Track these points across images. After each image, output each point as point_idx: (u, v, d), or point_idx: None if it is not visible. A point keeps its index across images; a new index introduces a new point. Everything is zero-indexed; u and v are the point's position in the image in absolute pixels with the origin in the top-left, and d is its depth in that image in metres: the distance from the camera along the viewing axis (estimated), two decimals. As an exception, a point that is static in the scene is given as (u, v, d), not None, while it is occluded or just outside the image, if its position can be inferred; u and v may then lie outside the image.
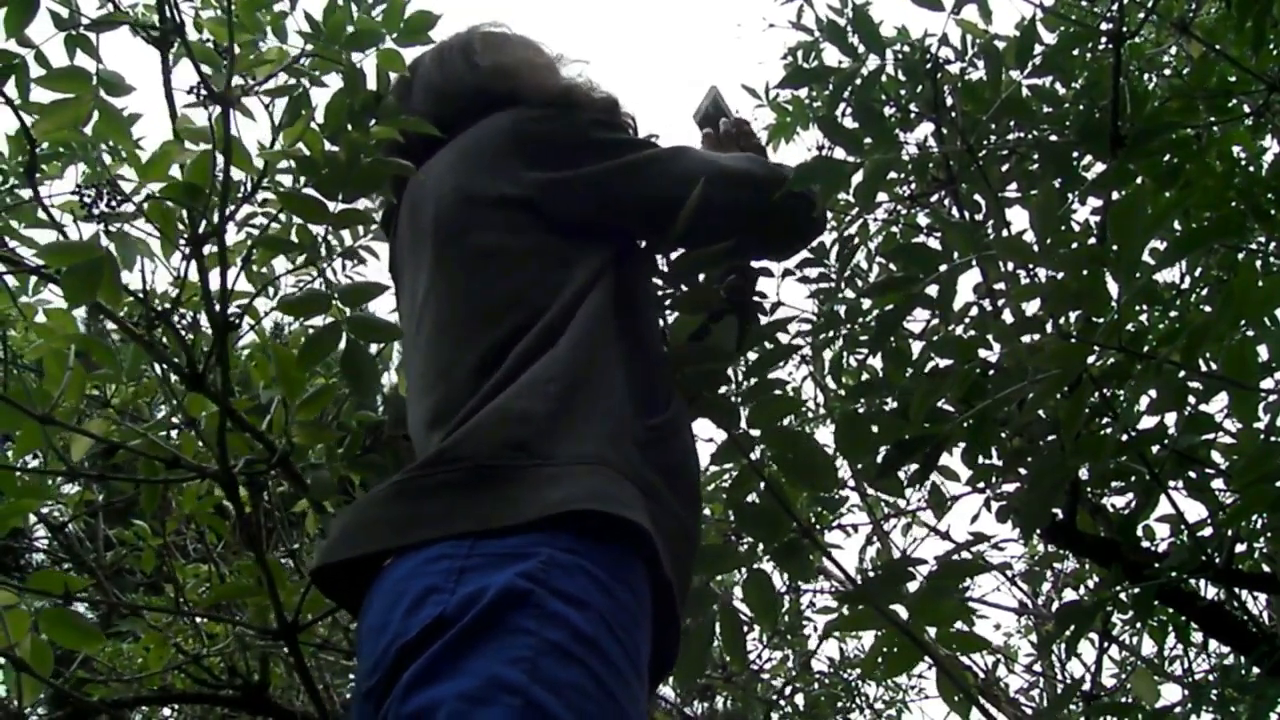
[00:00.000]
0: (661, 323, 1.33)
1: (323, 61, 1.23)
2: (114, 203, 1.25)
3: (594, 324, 1.11)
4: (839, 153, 1.57)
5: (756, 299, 1.48)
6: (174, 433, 1.57)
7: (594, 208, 1.21)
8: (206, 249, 1.21)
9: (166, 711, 3.29)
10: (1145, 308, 1.85)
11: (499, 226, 1.17)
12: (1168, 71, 2.41)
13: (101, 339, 1.52)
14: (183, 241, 1.20)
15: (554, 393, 1.03)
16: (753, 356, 1.42)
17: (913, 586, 1.33)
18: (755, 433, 1.38)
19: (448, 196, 1.20)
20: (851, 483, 2.73)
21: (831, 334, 1.74)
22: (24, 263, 1.38)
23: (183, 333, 1.36)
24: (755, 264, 1.49)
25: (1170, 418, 1.39)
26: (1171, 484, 1.52)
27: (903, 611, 1.33)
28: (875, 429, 1.44)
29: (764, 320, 1.49)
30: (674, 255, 1.33)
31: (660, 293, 1.34)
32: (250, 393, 1.53)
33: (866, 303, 1.72)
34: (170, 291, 1.32)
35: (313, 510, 1.69)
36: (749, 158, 1.36)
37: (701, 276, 1.33)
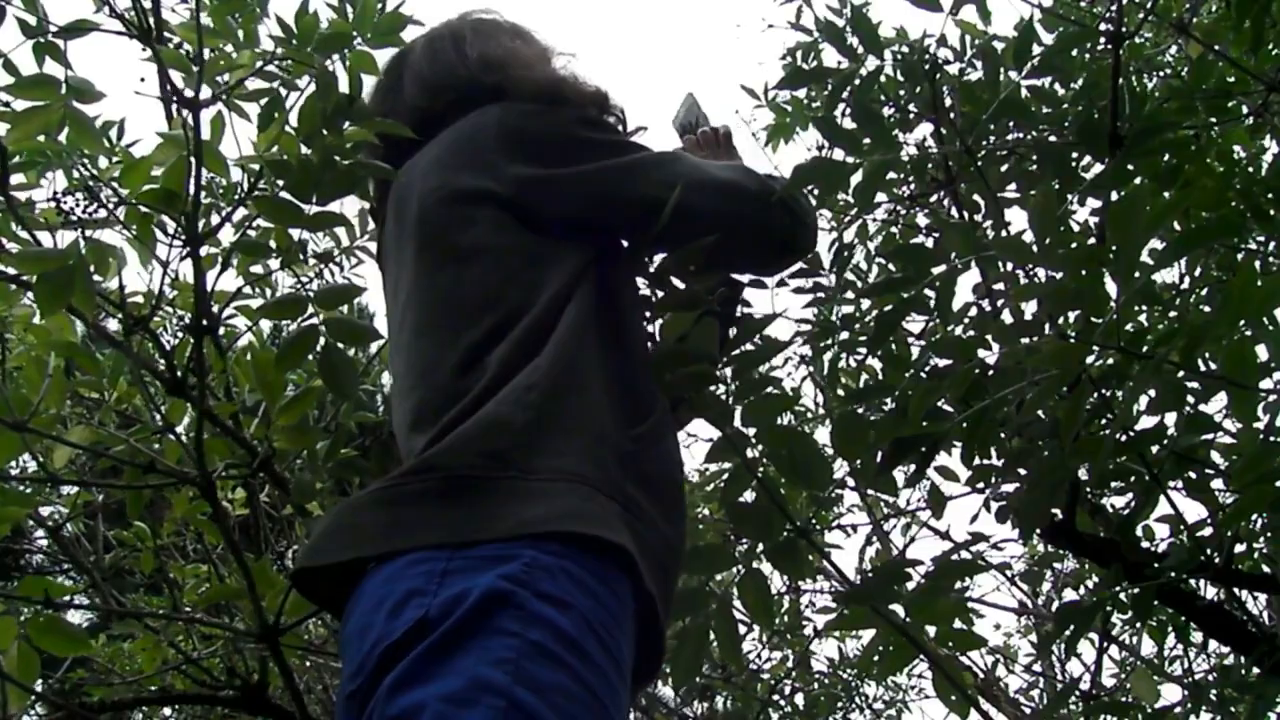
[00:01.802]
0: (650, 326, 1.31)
1: (296, 65, 1.21)
2: (90, 209, 1.24)
3: (576, 327, 1.09)
4: (838, 153, 1.57)
5: (746, 310, 1.46)
6: (170, 436, 1.56)
7: (577, 208, 1.19)
8: (186, 254, 1.20)
9: (167, 711, 3.29)
10: (1144, 308, 1.85)
11: (481, 224, 1.15)
12: (1167, 72, 2.41)
13: (102, 341, 1.51)
14: (161, 246, 1.20)
15: (533, 401, 1.01)
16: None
17: (911, 586, 1.33)
18: (750, 431, 1.37)
19: (430, 194, 1.17)
20: (852, 483, 2.73)
21: (830, 340, 1.74)
22: (3, 271, 1.36)
23: (167, 337, 1.35)
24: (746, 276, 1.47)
25: (1170, 418, 1.39)
26: (1171, 484, 1.52)
27: (901, 611, 1.32)
28: (873, 430, 1.43)
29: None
30: (658, 258, 1.31)
31: (645, 295, 1.32)
32: (239, 396, 1.53)
33: (866, 303, 1.72)
34: (151, 295, 1.30)
35: (296, 514, 1.68)
36: (741, 168, 1.33)
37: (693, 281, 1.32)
